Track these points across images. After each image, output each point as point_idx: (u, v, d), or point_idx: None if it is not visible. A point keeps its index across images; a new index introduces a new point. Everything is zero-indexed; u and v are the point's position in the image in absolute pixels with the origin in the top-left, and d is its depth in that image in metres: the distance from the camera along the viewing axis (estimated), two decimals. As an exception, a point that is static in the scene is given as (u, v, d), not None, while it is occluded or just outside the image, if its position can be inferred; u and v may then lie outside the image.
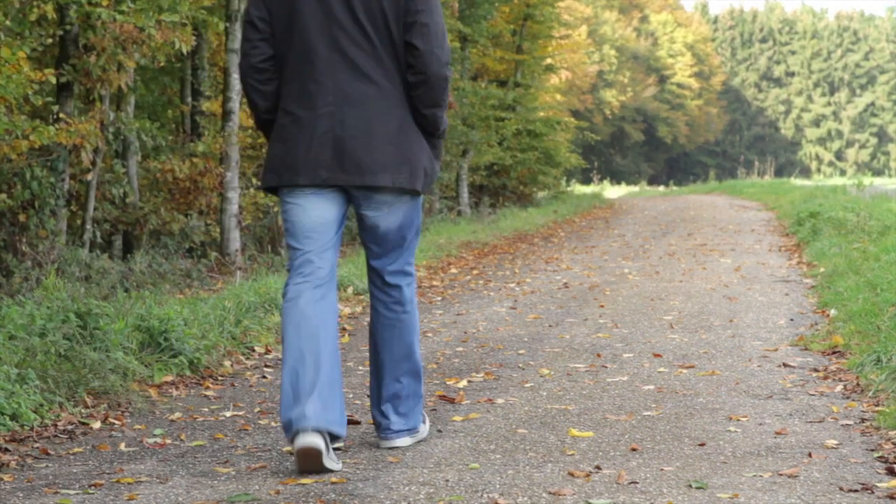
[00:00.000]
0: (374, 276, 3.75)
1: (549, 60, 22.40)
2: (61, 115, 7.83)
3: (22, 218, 7.57)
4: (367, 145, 3.53)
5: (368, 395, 4.15)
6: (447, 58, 3.60)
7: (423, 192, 3.65)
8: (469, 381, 4.82)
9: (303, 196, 3.58)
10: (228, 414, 4.33)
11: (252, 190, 11.72)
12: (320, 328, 3.49)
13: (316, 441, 3.35)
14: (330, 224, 3.61)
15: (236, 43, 10.05)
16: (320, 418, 3.36)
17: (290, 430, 3.38)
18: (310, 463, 3.38)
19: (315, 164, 3.53)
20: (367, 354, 5.59)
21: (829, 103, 69.81)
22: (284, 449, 3.69)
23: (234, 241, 10.10)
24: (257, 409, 4.40)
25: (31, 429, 4.01)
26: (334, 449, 3.64)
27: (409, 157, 3.58)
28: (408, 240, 3.72)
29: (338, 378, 3.48)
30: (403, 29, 3.55)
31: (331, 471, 3.38)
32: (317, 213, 3.59)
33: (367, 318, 6.93)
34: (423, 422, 3.85)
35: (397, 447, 3.70)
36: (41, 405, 4.17)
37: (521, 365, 5.19)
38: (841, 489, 3.06)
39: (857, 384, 4.45)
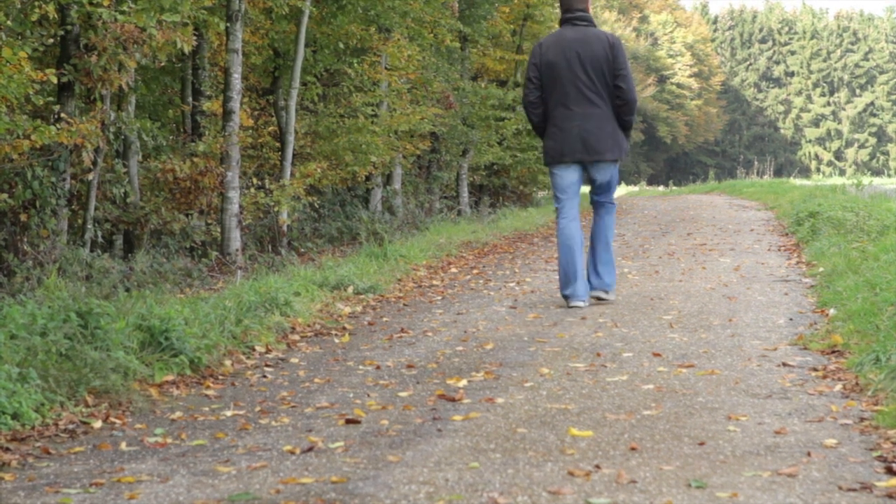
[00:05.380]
0: (597, 205, 7.26)
1: (549, 60, 22.37)
2: (62, 115, 7.82)
3: (23, 218, 7.57)
4: (599, 139, 6.97)
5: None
6: (635, 90, 7.05)
7: (622, 160, 7.12)
8: (469, 381, 4.83)
9: (565, 168, 7.07)
10: (229, 413, 4.34)
11: (252, 189, 11.72)
12: (574, 240, 6.99)
13: (582, 307, 6.97)
14: (576, 183, 7.10)
15: (237, 43, 10.06)
16: (584, 292, 7.01)
17: (567, 300, 7.00)
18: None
19: (573, 150, 6.99)
20: (368, 355, 5.69)
21: (828, 103, 69.79)
22: (284, 449, 3.70)
23: (235, 240, 10.11)
24: (258, 409, 4.41)
25: (33, 428, 4.02)
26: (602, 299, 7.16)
27: (619, 144, 7.04)
28: (613, 186, 7.18)
29: (582, 264, 7.02)
30: (612, 77, 6.95)
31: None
32: (572, 178, 7.09)
33: (368, 318, 7.01)
34: (613, 289, 7.22)
35: (604, 298, 7.12)
36: (42, 404, 4.18)
37: (520, 364, 5.20)
38: (840, 488, 3.07)
39: (857, 383, 4.46)
